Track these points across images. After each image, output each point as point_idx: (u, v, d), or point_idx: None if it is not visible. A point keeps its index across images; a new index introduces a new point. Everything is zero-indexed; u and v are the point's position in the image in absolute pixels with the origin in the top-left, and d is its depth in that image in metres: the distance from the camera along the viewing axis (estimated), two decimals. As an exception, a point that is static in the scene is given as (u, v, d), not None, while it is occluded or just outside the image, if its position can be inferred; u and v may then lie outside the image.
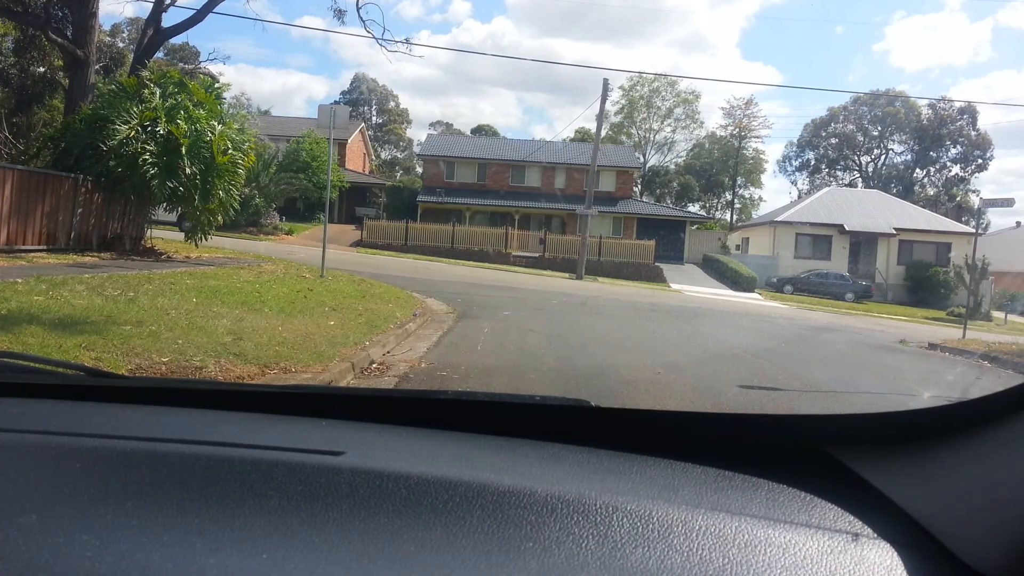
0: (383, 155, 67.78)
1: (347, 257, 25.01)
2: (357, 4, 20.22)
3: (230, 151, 15.34)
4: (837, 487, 1.01)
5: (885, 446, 1.05)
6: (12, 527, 0.81)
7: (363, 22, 22.93)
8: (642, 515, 0.88)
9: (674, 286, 30.49)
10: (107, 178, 14.39)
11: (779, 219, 40.20)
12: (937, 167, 66.45)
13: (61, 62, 24.50)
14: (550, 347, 9.56)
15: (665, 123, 66.52)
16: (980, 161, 64.58)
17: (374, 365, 7.02)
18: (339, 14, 25.53)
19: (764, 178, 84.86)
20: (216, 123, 15.15)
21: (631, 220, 41.96)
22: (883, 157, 68.44)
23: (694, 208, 61.10)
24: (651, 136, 67.01)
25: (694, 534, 0.85)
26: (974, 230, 32.51)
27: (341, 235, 32.70)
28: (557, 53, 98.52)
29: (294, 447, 1.05)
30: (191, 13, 18.80)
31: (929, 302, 34.08)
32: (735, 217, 64.15)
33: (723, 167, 65.31)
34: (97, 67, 18.76)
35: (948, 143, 64.47)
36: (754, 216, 59.19)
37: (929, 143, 64.11)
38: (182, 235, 18.19)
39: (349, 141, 44.92)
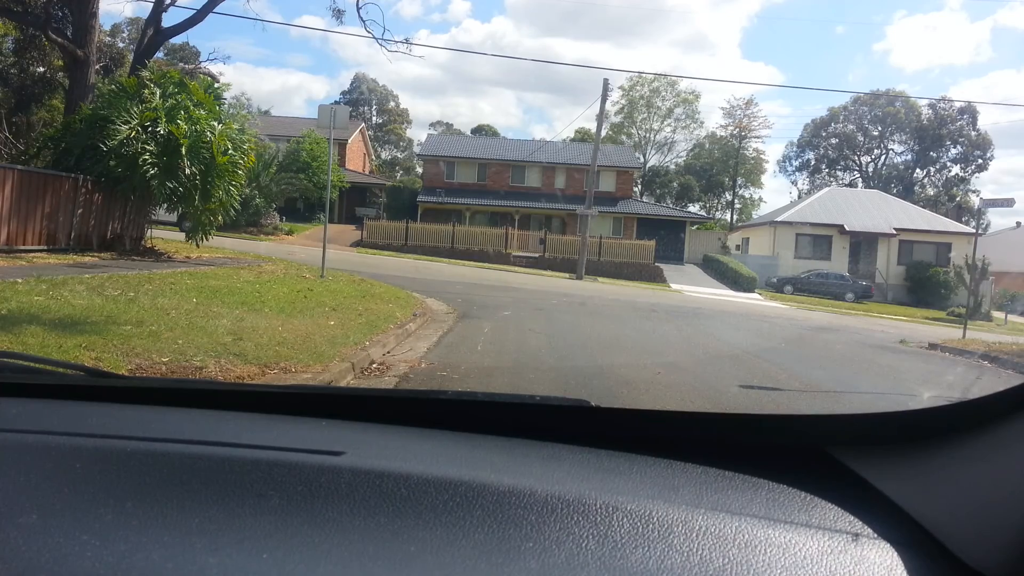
0: (383, 155, 67.79)
1: (347, 257, 25.01)
2: (357, 4, 20.23)
3: (230, 151, 15.34)
4: (837, 487, 1.01)
5: (885, 446, 1.05)
6: (12, 527, 0.81)
7: (363, 22, 23.01)
8: (642, 515, 0.88)
9: (674, 286, 30.49)
10: (107, 178, 14.39)
11: (779, 219, 40.19)
12: (937, 167, 66.47)
13: (61, 62, 24.51)
14: (550, 347, 9.56)
15: (665, 123, 66.61)
16: (980, 161, 64.62)
17: (374, 365, 7.02)
18: (338, 14, 25.58)
19: (764, 178, 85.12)
20: (216, 123, 15.15)
21: (631, 220, 41.96)
22: (883, 157, 68.50)
23: (694, 208, 61.11)
24: (651, 136, 67.08)
25: (694, 534, 0.85)
26: (974, 230, 32.51)
27: (341, 235, 32.70)
28: (557, 53, 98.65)
29: (294, 447, 1.05)
30: (191, 13, 18.82)
31: (929, 302, 34.08)
32: (735, 217, 64.16)
33: (723, 167, 65.30)
34: (97, 67, 18.76)
35: (948, 143, 64.47)
36: (754, 216, 59.18)
37: (929, 143, 64.11)
38: (182, 235, 18.20)
39: (349, 141, 44.91)
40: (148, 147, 14.07)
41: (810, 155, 69.73)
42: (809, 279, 34.78)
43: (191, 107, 14.96)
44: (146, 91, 14.87)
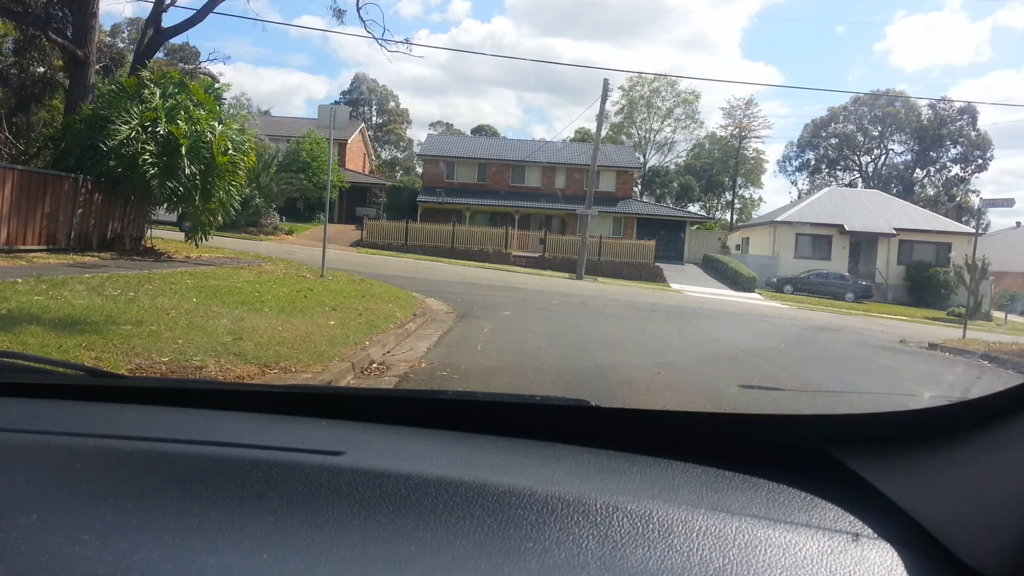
0: (383, 155, 67.79)
1: (347, 257, 25.01)
2: (357, 4, 20.25)
3: (230, 151, 15.34)
4: (837, 487, 1.01)
5: (885, 446, 1.05)
6: (12, 527, 0.80)
7: (363, 22, 23.03)
8: (642, 515, 0.88)
9: (674, 286, 30.49)
10: (107, 178, 14.39)
11: (779, 219, 40.20)
12: (937, 167, 66.48)
13: (61, 62, 24.53)
14: (550, 347, 9.56)
15: (665, 123, 66.63)
16: (980, 161, 64.63)
17: (374, 365, 7.02)
18: (339, 14, 25.59)
19: (764, 178, 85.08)
20: (216, 123, 15.15)
21: (631, 220, 41.96)
22: (883, 157, 68.51)
23: (694, 208, 61.12)
24: (651, 136, 67.10)
25: (694, 534, 0.85)
26: (974, 230, 32.52)
27: (341, 235, 32.70)
28: (557, 53, 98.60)
29: (294, 447, 1.05)
30: (191, 13, 18.82)
31: (929, 302, 34.08)
32: (735, 217, 64.16)
33: (723, 167, 65.31)
34: (97, 67, 18.76)
35: (948, 143, 64.49)
36: (754, 216, 59.18)
37: (929, 143, 64.11)
38: (182, 235, 18.20)
39: (349, 141, 44.91)
40: (148, 147, 14.06)
41: (810, 155, 69.76)
42: (809, 279, 34.78)
43: (191, 107, 14.96)
44: (146, 91, 14.87)
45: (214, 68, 27.03)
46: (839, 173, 69.35)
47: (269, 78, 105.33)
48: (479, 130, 66.56)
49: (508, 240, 34.93)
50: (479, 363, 7.80)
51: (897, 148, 67.79)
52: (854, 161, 68.97)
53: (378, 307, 10.94)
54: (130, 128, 13.97)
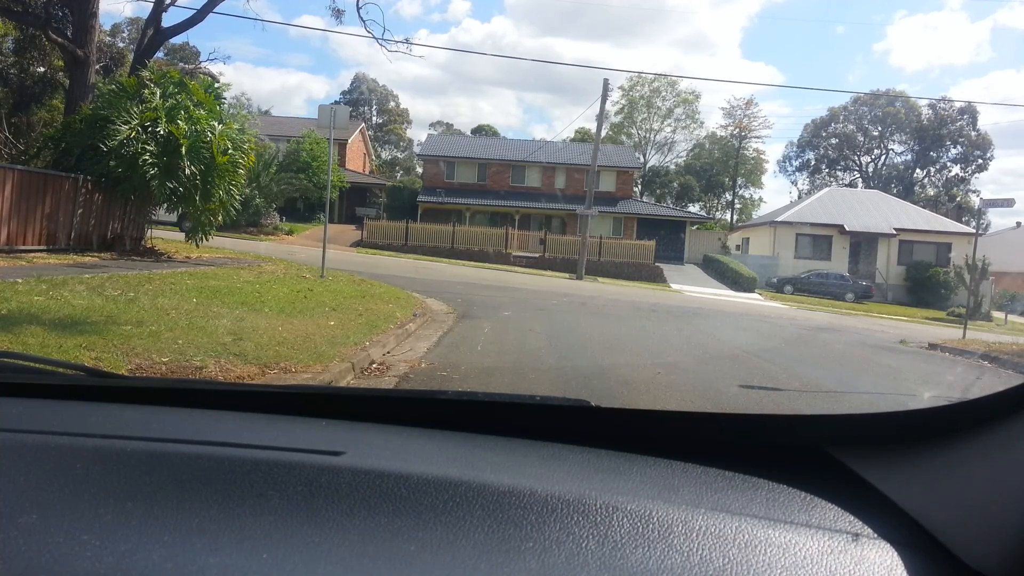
0: (383, 155, 67.78)
1: (347, 257, 25.01)
2: (357, 4, 20.26)
3: (230, 151, 15.34)
4: (837, 487, 1.01)
5: (885, 446, 1.05)
6: (13, 527, 0.81)
7: (363, 22, 23.05)
8: (642, 515, 0.88)
9: (674, 286, 30.50)
10: (107, 178, 14.39)
11: (779, 219, 40.20)
12: (937, 167, 66.48)
13: (61, 62, 24.53)
14: (550, 347, 9.56)
15: (665, 123, 66.62)
16: (980, 161, 64.62)
17: (374, 365, 7.02)
18: (338, 14, 25.60)
19: (764, 178, 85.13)
20: (216, 123, 15.15)
21: (631, 220, 41.96)
22: (883, 157, 68.50)
23: (694, 208, 61.14)
24: (651, 136, 67.09)
25: (694, 534, 0.85)
26: (974, 230, 32.52)
27: (341, 235, 32.70)
28: (557, 53, 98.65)
29: (294, 447, 1.05)
30: (191, 13, 18.83)
31: (929, 302, 34.08)
32: (735, 217, 64.15)
33: (723, 167, 65.30)
34: (97, 67, 18.77)
35: (948, 143, 64.48)
36: (754, 216, 59.18)
37: (929, 143, 64.11)
38: (182, 235, 18.20)
39: (349, 141, 44.91)
40: (148, 147, 14.06)
41: (810, 155, 69.75)
42: (809, 279, 34.78)
43: (191, 107, 14.95)
44: (146, 91, 14.87)
45: (214, 68, 27.01)
46: (839, 173, 69.39)
47: (269, 78, 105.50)
48: (479, 130, 66.55)
49: (508, 240, 34.93)
50: (479, 363, 7.80)
51: (897, 148, 67.90)
52: (854, 161, 68.97)
53: (378, 307, 10.93)
54: (130, 128, 13.96)
